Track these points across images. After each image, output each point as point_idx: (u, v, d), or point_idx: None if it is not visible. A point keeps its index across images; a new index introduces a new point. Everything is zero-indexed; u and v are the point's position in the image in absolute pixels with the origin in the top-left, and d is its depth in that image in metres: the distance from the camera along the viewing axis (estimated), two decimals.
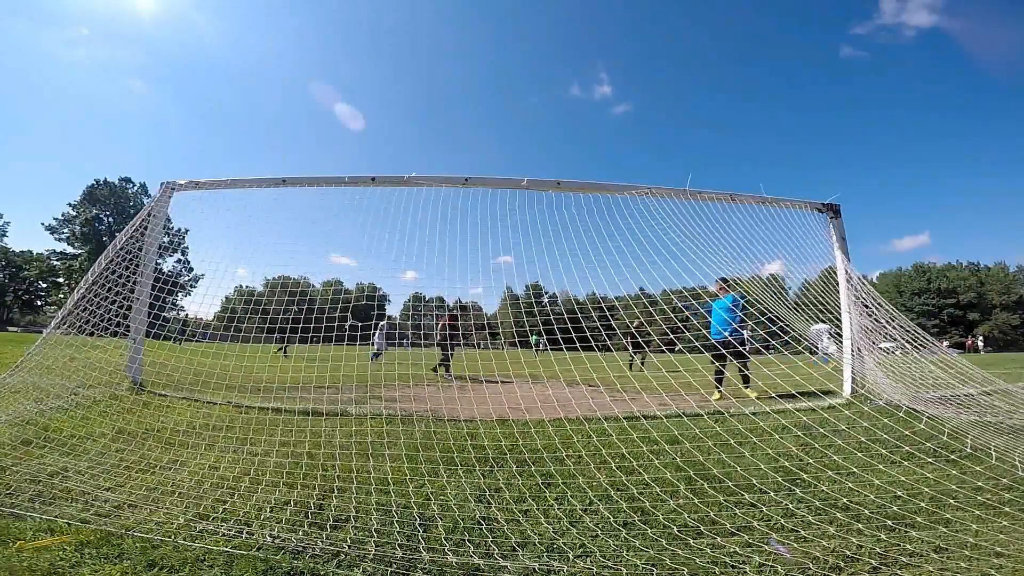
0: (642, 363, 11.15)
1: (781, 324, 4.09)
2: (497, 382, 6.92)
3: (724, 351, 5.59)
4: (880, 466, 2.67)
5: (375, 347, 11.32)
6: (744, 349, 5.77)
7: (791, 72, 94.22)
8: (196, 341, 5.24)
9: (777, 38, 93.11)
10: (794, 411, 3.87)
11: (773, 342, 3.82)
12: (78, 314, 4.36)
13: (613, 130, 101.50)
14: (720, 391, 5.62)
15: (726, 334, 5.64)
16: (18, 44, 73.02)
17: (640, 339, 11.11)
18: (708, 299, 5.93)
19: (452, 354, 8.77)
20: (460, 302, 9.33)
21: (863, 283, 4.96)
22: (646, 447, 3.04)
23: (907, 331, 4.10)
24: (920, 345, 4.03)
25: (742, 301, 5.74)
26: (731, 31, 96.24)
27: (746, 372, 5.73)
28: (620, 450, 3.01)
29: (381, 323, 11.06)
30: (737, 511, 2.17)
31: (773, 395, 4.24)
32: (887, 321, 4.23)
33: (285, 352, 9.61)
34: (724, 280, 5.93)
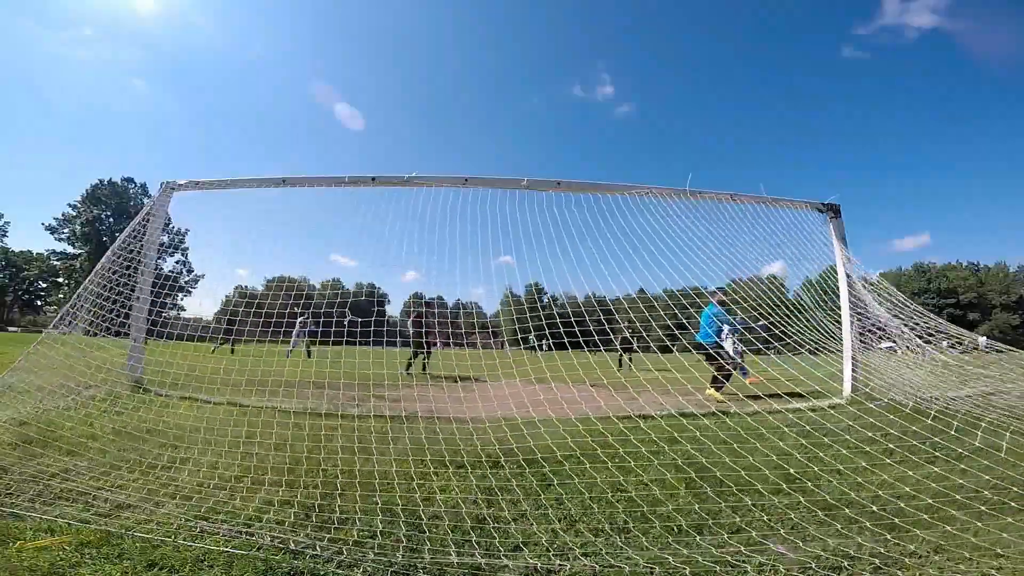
0: (630, 362, 11.15)
1: (781, 328, 4.09)
2: (486, 381, 6.92)
3: (717, 353, 5.61)
4: (881, 465, 2.67)
5: (291, 344, 11.09)
6: (721, 353, 5.82)
7: (793, 72, 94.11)
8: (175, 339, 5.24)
9: (780, 39, 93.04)
10: (794, 411, 3.87)
11: (776, 343, 3.82)
12: (77, 314, 4.37)
13: (615, 130, 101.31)
14: (716, 389, 5.66)
15: (713, 334, 5.72)
16: (23, 44, 72.93)
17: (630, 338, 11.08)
18: (702, 304, 5.95)
19: (428, 352, 8.69)
20: (421, 298, 9.19)
21: (867, 282, 4.96)
22: (646, 447, 3.04)
23: (924, 321, 4.07)
24: (939, 337, 4.00)
25: (720, 312, 5.85)
26: (733, 31, 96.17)
27: (723, 375, 5.73)
28: (620, 450, 3.01)
29: (300, 320, 10.75)
30: (737, 511, 2.17)
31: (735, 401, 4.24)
32: (900, 311, 4.21)
33: (232, 350, 9.02)
34: (724, 292, 5.98)
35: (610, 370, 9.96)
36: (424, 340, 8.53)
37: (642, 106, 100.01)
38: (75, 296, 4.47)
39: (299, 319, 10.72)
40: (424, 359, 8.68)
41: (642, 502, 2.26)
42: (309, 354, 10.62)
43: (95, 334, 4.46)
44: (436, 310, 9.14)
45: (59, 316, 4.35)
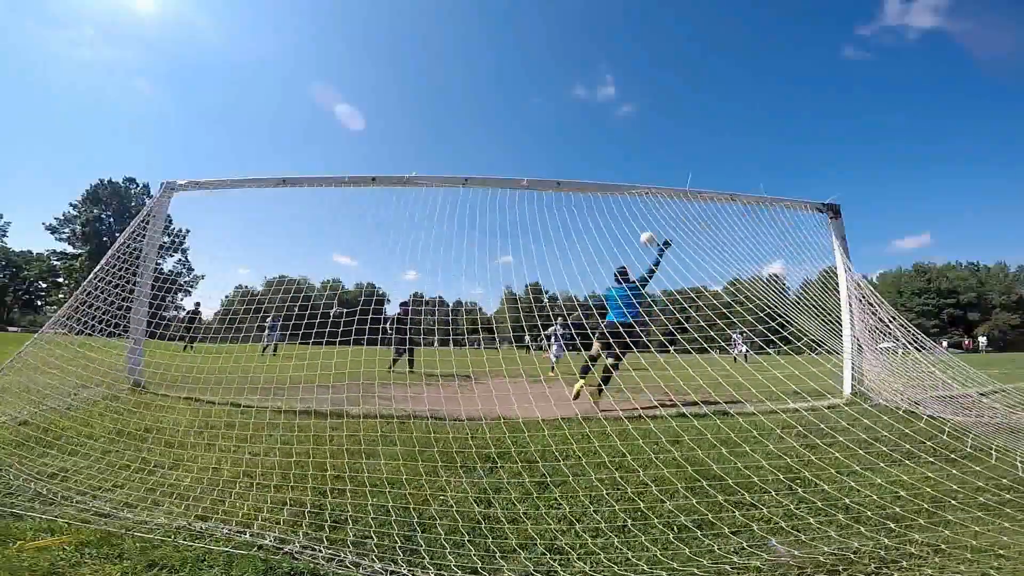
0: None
1: (780, 321, 4.09)
2: (485, 380, 6.92)
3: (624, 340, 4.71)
4: (881, 465, 2.67)
5: (265, 341, 11.10)
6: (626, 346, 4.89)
7: (795, 73, 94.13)
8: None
9: (781, 39, 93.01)
10: (794, 411, 3.87)
11: (774, 338, 3.82)
12: (78, 314, 4.36)
13: (617, 131, 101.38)
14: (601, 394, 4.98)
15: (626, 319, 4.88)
16: (23, 44, 72.88)
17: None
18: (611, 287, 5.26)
19: (407, 350, 8.76)
20: (420, 297, 9.20)
21: (864, 283, 4.97)
22: (646, 446, 3.04)
23: (907, 331, 4.11)
24: (919, 347, 4.04)
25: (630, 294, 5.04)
26: (734, 32, 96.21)
27: (609, 375, 4.99)
28: (620, 450, 3.01)
29: (269, 317, 10.68)
30: (737, 511, 2.17)
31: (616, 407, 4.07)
32: (888, 319, 4.24)
33: (191, 347, 8.48)
34: (623, 271, 5.20)
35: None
36: (407, 339, 8.60)
37: (643, 107, 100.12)
38: (72, 298, 4.47)
39: (269, 317, 10.62)
40: (397, 358, 8.84)
41: (641, 502, 2.26)
42: (275, 350, 10.51)
43: (91, 333, 4.46)
44: (411, 308, 9.09)
45: (55, 318, 4.33)
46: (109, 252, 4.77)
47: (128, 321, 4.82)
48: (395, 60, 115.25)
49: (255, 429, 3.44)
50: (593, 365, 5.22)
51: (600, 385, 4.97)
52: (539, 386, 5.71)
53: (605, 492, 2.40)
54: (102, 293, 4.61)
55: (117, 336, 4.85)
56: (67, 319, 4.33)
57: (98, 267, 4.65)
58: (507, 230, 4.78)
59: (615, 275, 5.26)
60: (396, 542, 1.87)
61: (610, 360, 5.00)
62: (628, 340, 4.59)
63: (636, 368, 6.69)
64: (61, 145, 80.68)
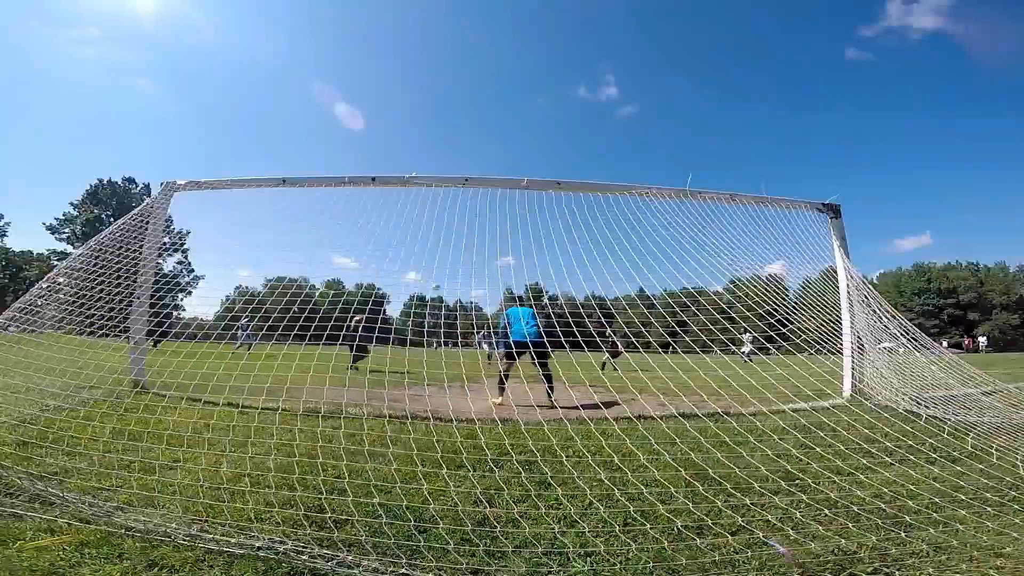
0: (612, 364, 10.95)
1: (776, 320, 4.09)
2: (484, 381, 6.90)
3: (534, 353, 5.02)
4: (882, 465, 2.67)
5: (238, 342, 11.18)
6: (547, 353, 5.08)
7: (797, 74, 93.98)
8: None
9: (784, 40, 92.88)
10: (794, 412, 3.86)
11: (777, 337, 3.82)
12: (42, 311, 4.32)
13: (618, 131, 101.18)
14: (502, 395, 5.17)
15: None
16: (27, 43, 72.76)
17: (614, 338, 11.07)
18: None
19: (366, 352, 8.88)
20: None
21: (864, 283, 4.97)
22: (646, 447, 3.04)
23: (906, 331, 4.11)
24: (920, 345, 4.04)
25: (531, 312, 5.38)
26: (737, 33, 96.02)
27: (550, 385, 5.16)
28: (621, 450, 3.00)
29: (243, 318, 10.66)
30: (738, 511, 2.16)
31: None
32: (888, 318, 4.24)
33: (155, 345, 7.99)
34: (518, 297, 5.50)
35: (611, 370, 9.95)
36: (365, 342, 8.69)
37: (645, 107, 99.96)
38: (31, 291, 4.38)
39: (243, 317, 10.62)
40: (359, 360, 8.91)
41: (642, 502, 2.26)
42: (244, 348, 10.52)
43: (91, 334, 4.45)
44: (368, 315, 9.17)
45: (9, 313, 4.20)
46: (85, 248, 4.71)
47: (116, 320, 4.78)
48: (395, 60, 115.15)
49: (255, 430, 3.43)
50: (507, 379, 5.39)
51: (549, 393, 5.16)
52: (539, 386, 5.71)
53: (607, 492, 2.39)
54: (95, 292, 4.58)
55: (99, 335, 4.78)
56: (16, 316, 4.25)
57: (67, 261, 4.63)
58: (507, 230, 4.78)
59: (513, 297, 5.56)
60: (398, 542, 1.86)
61: (542, 372, 5.23)
62: (533, 351, 4.89)
63: (643, 369, 6.67)
64: (62, 145, 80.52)
